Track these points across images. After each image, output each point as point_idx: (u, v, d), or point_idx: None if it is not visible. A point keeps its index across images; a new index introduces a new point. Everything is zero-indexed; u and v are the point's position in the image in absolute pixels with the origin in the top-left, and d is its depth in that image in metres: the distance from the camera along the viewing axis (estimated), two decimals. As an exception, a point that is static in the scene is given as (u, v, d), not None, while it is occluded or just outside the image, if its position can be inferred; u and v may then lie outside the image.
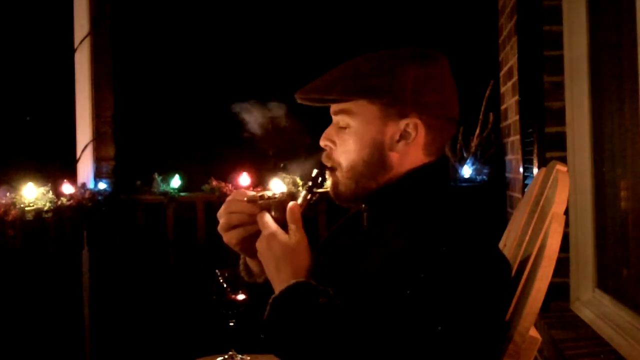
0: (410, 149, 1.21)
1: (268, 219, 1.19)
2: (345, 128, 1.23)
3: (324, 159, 1.28)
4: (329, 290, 1.09)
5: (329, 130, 1.27)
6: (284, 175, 3.49)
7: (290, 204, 1.19)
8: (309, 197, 1.25)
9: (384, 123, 1.20)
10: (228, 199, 1.25)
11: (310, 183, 1.27)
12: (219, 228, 1.25)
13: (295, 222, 1.18)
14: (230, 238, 1.25)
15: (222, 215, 1.24)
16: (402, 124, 1.19)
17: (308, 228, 1.19)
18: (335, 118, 1.26)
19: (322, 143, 1.28)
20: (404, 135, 1.20)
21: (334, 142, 1.25)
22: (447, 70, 1.22)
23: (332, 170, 1.26)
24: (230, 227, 1.24)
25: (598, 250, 2.49)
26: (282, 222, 1.19)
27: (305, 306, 1.08)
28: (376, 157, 1.21)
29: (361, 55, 1.25)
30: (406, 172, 1.21)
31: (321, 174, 1.27)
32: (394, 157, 1.21)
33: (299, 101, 1.27)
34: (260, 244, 1.18)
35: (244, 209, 1.23)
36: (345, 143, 1.23)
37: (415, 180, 1.21)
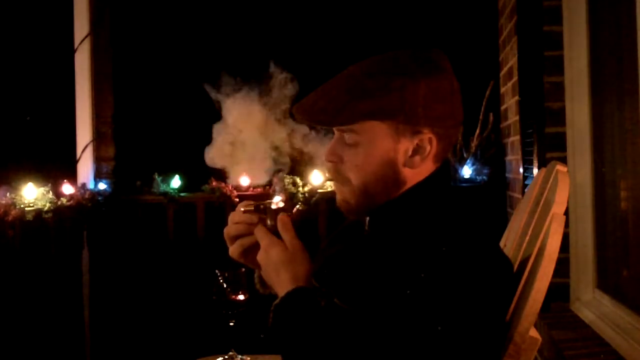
0: (424, 162, 1.18)
1: (264, 231, 1.20)
2: (352, 145, 1.18)
3: (330, 173, 1.23)
4: (329, 293, 1.09)
5: (334, 146, 1.21)
6: (284, 175, 3.49)
7: (280, 215, 1.20)
8: (300, 207, 1.25)
9: (396, 140, 1.15)
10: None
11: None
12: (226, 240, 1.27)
13: (287, 232, 1.19)
14: (232, 251, 1.26)
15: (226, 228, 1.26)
16: (416, 139, 1.15)
17: (308, 229, 1.19)
18: (339, 133, 1.21)
19: (327, 159, 1.23)
20: (417, 151, 1.16)
21: (341, 158, 1.20)
22: (453, 76, 1.18)
23: (341, 184, 1.22)
24: (232, 239, 1.25)
25: (598, 250, 2.49)
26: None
27: (304, 310, 1.09)
28: (389, 174, 1.17)
29: (360, 64, 1.19)
30: (416, 185, 1.18)
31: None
32: (407, 172, 1.17)
33: (299, 121, 1.23)
34: (260, 257, 1.20)
35: (242, 219, 1.23)
36: (354, 160, 1.18)
37: (423, 190, 1.19)
